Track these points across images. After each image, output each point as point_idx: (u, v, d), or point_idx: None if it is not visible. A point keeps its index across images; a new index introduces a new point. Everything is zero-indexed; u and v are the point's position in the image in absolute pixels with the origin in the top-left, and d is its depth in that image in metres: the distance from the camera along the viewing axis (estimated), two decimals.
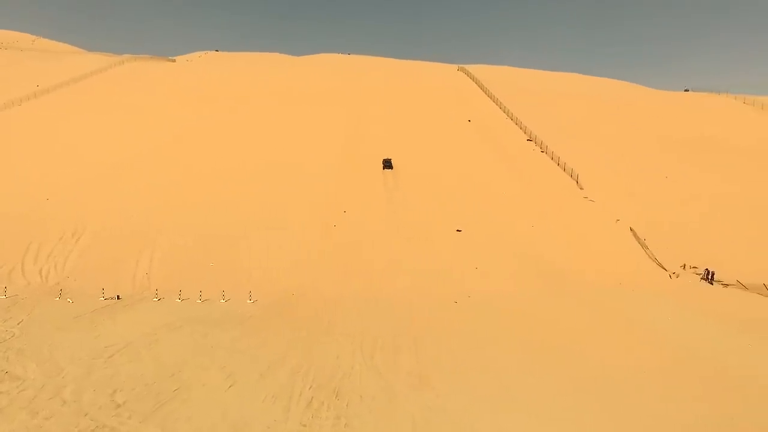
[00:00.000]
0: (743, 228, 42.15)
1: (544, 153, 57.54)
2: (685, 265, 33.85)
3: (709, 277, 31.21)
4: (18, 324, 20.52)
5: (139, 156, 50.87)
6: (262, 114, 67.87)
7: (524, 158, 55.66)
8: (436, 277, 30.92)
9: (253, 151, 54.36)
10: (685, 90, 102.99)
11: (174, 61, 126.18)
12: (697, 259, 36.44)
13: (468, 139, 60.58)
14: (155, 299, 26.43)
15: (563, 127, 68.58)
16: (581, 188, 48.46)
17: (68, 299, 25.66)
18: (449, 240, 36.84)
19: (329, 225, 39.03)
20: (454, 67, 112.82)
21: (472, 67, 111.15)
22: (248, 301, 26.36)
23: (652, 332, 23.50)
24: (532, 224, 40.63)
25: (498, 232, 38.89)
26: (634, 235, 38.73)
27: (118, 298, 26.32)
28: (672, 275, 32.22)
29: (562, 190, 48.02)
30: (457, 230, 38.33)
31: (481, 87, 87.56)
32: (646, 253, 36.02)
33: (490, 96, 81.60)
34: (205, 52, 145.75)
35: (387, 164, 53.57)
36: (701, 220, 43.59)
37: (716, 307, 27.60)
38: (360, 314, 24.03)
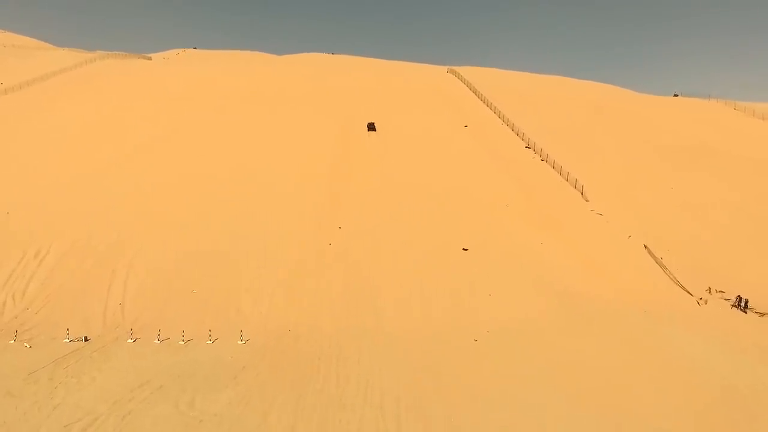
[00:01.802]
0: (757, 242, 40.38)
1: (545, 162, 55.14)
2: (710, 288, 31.56)
3: (742, 304, 28.90)
4: None
5: (111, 163, 46.56)
6: (243, 116, 63.91)
7: (525, 167, 53.12)
8: (449, 306, 27.91)
9: (234, 155, 50.48)
10: (675, 95, 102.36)
11: (150, 59, 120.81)
12: (716, 277, 34.33)
13: (466, 147, 57.78)
14: (130, 340, 22.77)
15: (559, 134, 66.46)
16: (587, 200, 46.09)
17: (25, 343, 21.82)
18: (457, 260, 33.86)
19: (323, 241, 35.71)
20: (443, 68, 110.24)
21: (461, 69, 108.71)
22: (239, 342, 22.90)
23: (696, 375, 21.04)
24: (541, 241, 37.97)
25: (506, 250, 36.08)
26: (650, 253, 36.41)
27: (85, 339, 22.59)
28: (699, 301, 29.85)
29: (567, 202, 45.56)
30: (464, 249, 35.40)
31: (474, 91, 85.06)
32: (666, 274, 33.67)
33: (484, 100, 79.10)
34: (183, 49, 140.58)
35: (371, 127, 59.45)
36: (713, 234, 41.68)
37: (756, 340, 25.34)
38: (372, 360, 20.82)
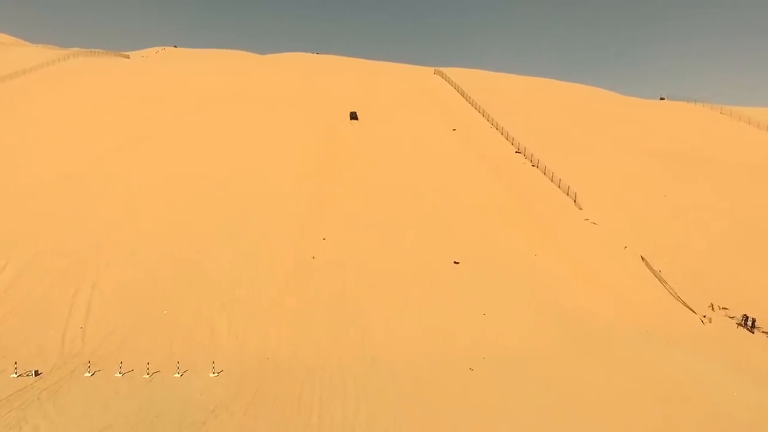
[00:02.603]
0: (754, 252, 39.33)
1: (536, 167, 53.64)
2: (713, 305, 30.15)
3: (749, 324, 27.49)
4: None
5: (80, 169, 43.61)
6: (223, 116, 61.32)
7: (516, 173, 51.54)
8: (442, 328, 25.94)
9: (212, 157, 47.93)
10: (661, 98, 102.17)
11: (128, 57, 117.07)
12: (715, 290, 33.05)
13: (455, 151, 56.03)
14: (88, 374, 20.31)
15: (548, 138, 65.18)
16: (580, 208, 44.63)
17: None
18: (448, 275, 31.95)
19: (307, 253, 33.52)
20: (430, 69, 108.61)
21: (447, 70, 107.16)
22: (211, 375, 20.63)
23: (700, 391, 19.48)
24: (535, 253, 36.32)
25: (499, 263, 34.32)
26: (648, 265, 34.97)
27: (36, 374, 20.09)
28: (703, 319, 28.40)
29: (560, 210, 44.04)
30: (455, 262, 33.54)
31: (461, 92, 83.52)
32: (666, 288, 32.21)
33: (471, 102, 77.57)
34: (163, 47, 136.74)
35: (353, 116, 63.52)
36: (709, 244, 40.54)
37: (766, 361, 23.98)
38: (358, 397, 18.76)
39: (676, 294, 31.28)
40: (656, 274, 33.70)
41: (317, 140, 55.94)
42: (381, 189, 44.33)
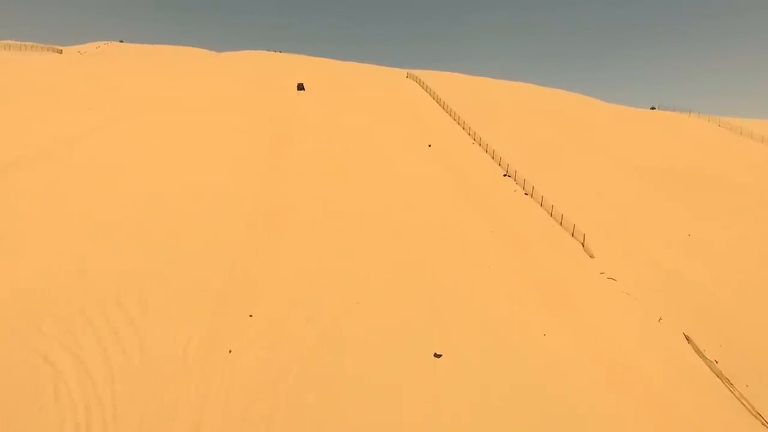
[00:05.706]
0: None
1: (529, 196, 44.12)
2: None
3: None
4: None
5: None
6: (145, 128, 49.86)
7: (507, 205, 41.85)
8: None
9: (115, 193, 36.57)
10: (652, 108, 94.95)
11: (60, 52, 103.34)
12: None
13: (431, 176, 45.99)
14: None
15: (538, 156, 56.14)
16: (591, 256, 35.22)
17: None
18: (427, 378, 21.60)
19: (220, 344, 22.76)
20: (402, 72, 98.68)
21: (421, 74, 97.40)
22: None
23: None
24: (544, 331, 26.46)
25: (497, 352, 24.22)
26: (697, 351, 25.60)
27: None
28: None
29: (567, 259, 34.49)
30: (436, 355, 23.37)
31: (437, 100, 73.76)
32: (735, 395, 22.79)
33: (449, 112, 67.86)
34: (106, 42, 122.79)
35: (300, 87, 63.38)
36: (745, 303, 31.81)
37: None
38: None
39: (752, 407, 21.88)
40: (713, 368, 24.34)
41: (261, 163, 45.05)
42: (336, 237, 33.84)
